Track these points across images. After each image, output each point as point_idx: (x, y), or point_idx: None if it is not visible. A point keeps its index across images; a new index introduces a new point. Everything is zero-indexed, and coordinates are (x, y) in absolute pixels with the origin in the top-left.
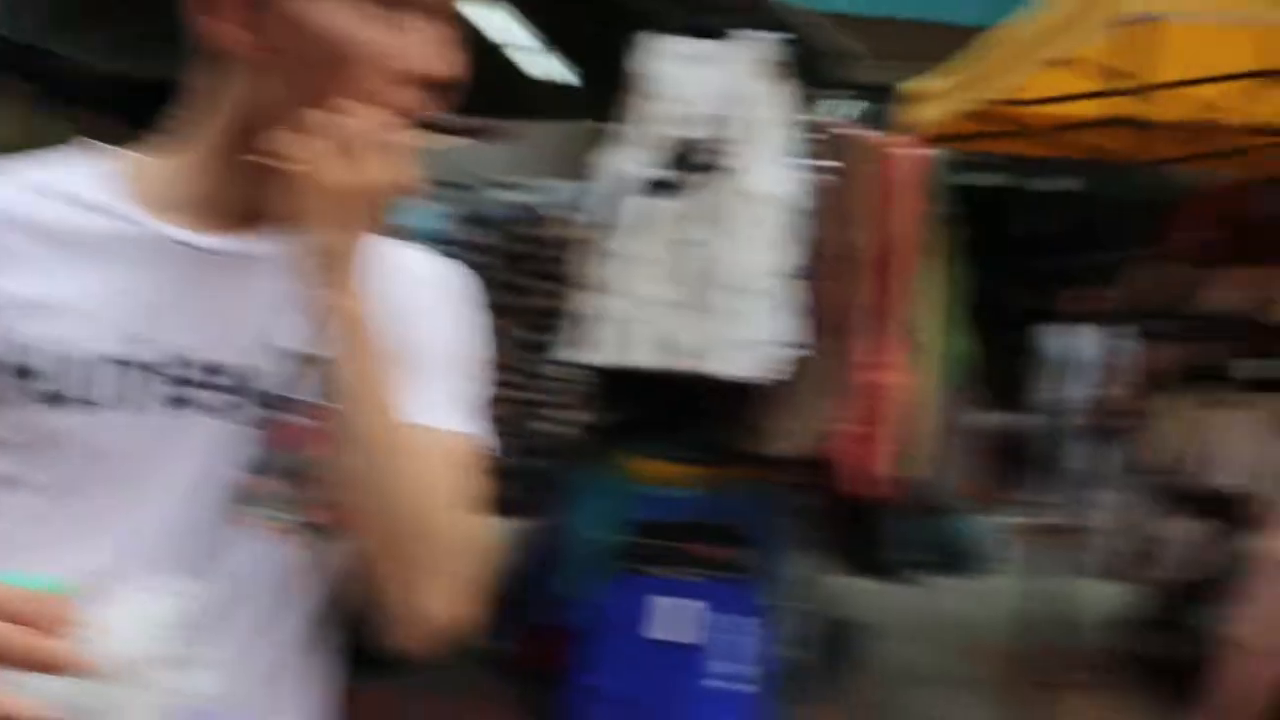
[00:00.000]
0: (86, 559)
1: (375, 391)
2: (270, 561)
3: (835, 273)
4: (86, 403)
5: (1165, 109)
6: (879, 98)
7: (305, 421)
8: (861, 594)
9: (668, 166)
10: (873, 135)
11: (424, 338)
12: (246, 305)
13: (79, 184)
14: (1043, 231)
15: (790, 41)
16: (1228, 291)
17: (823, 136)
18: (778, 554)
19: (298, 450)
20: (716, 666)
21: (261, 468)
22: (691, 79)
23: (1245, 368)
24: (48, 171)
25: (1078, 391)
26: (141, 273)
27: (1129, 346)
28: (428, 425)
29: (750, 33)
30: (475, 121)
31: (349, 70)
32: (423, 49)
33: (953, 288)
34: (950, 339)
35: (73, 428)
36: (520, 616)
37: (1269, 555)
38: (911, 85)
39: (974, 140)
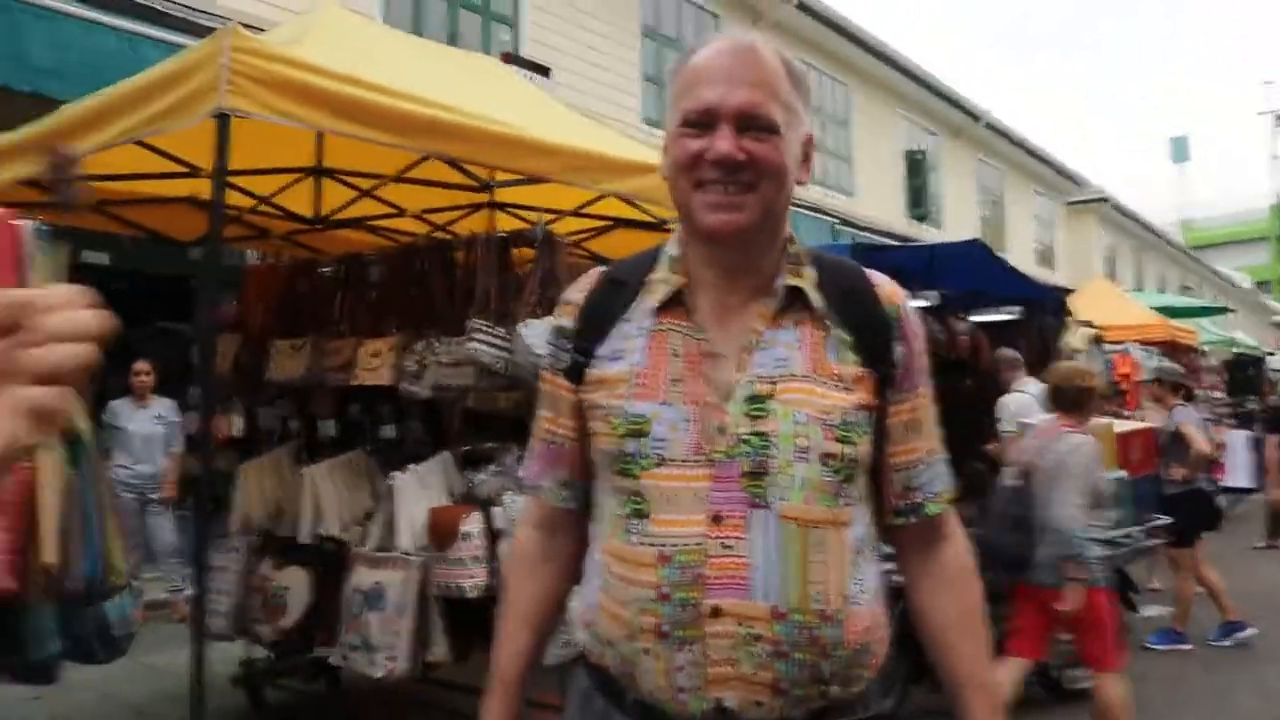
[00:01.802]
0: None
1: None
2: None
3: None
4: None
5: (231, 195)
6: None
7: None
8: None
9: None
10: None
11: None
12: None
13: None
14: None
15: None
16: (285, 360)
17: None
18: None
19: None
20: None
21: None
22: None
23: (325, 426)
24: None
25: (148, 466)
26: None
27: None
28: None
29: None
30: None
31: None
32: None
33: None
34: (74, 417)
35: None
36: None
37: (362, 587)
38: None
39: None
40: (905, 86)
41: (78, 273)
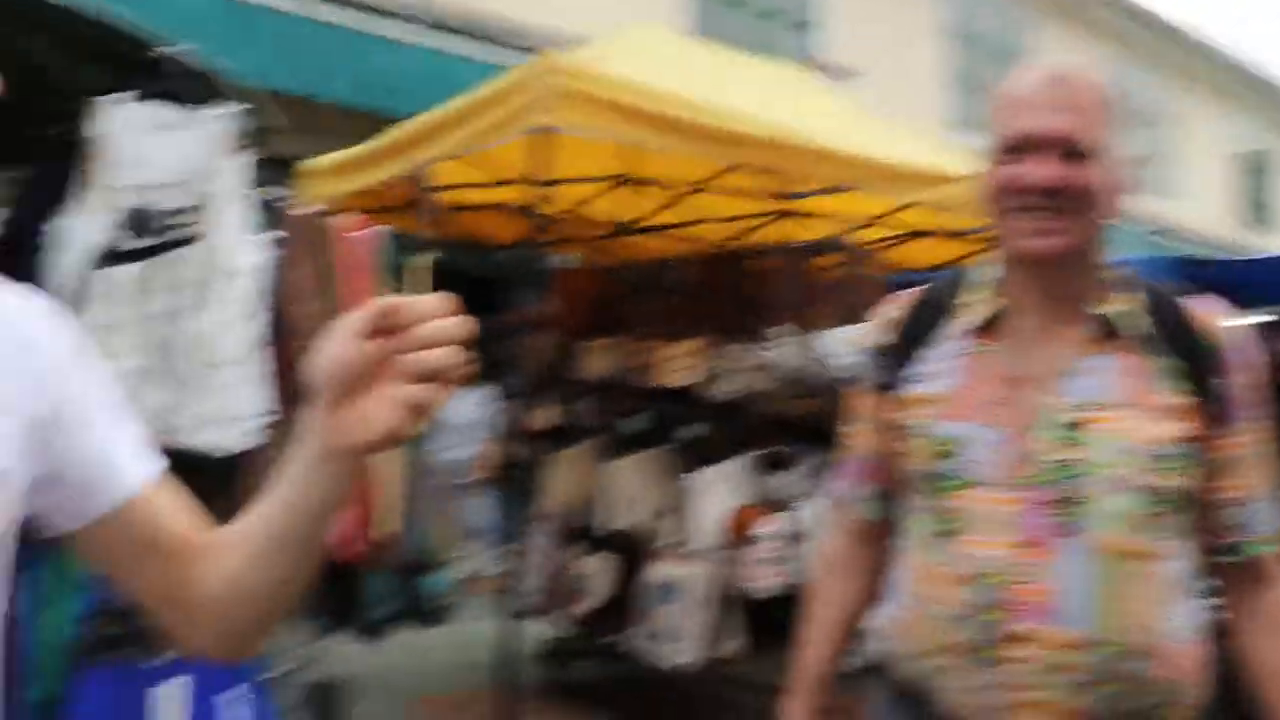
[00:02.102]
0: None
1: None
2: None
3: (297, 344)
4: None
5: (549, 202)
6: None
7: None
8: (339, 653)
9: (128, 234)
10: (332, 216)
11: (91, 376)
12: None
13: None
14: None
15: (249, 113)
16: (594, 358)
17: (277, 211)
18: None
19: None
20: None
21: None
22: (151, 147)
23: (627, 424)
24: None
25: (464, 451)
26: None
27: (512, 407)
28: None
29: (209, 103)
30: None
31: None
32: None
33: None
34: None
35: None
36: None
37: (659, 580)
38: (311, 162)
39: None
40: (1234, 83)
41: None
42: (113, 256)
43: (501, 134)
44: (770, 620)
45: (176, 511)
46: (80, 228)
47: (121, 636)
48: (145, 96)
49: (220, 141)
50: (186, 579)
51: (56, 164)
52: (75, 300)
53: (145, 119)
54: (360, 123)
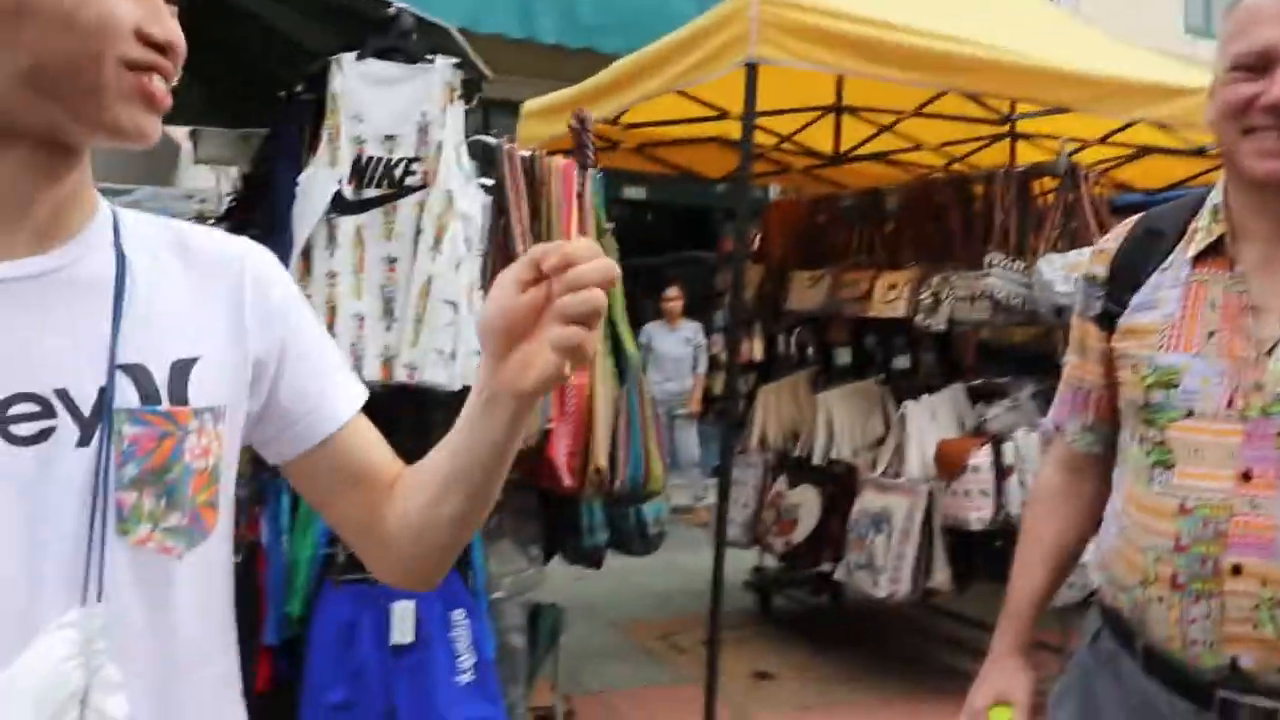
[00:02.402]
0: None
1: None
2: (158, 571)
3: None
4: None
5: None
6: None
7: (152, 429)
8: (554, 579)
9: (360, 184)
10: (551, 157)
11: (300, 318)
12: (39, 328)
13: None
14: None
15: (463, 64)
16: (804, 290)
17: (495, 154)
18: (478, 547)
19: (157, 458)
20: (440, 661)
21: (128, 483)
22: (378, 99)
23: (838, 355)
24: None
25: (675, 383)
26: None
27: (722, 340)
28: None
29: (430, 56)
30: None
31: (85, 31)
32: (161, 13)
33: (616, 292)
34: (620, 339)
35: None
36: (251, 638)
37: (869, 511)
38: (530, 103)
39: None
40: None
41: (619, 206)
42: (346, 205)
43: (711, 69)
44: (980, 553)
45: (374, 446)
46: (317, 180)
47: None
48: (374, 53)
49: (443, 92)
50: (379, 513)
51: (294, 121)
52: (312, 247)
53: (375, 74)
54: (569, 63)
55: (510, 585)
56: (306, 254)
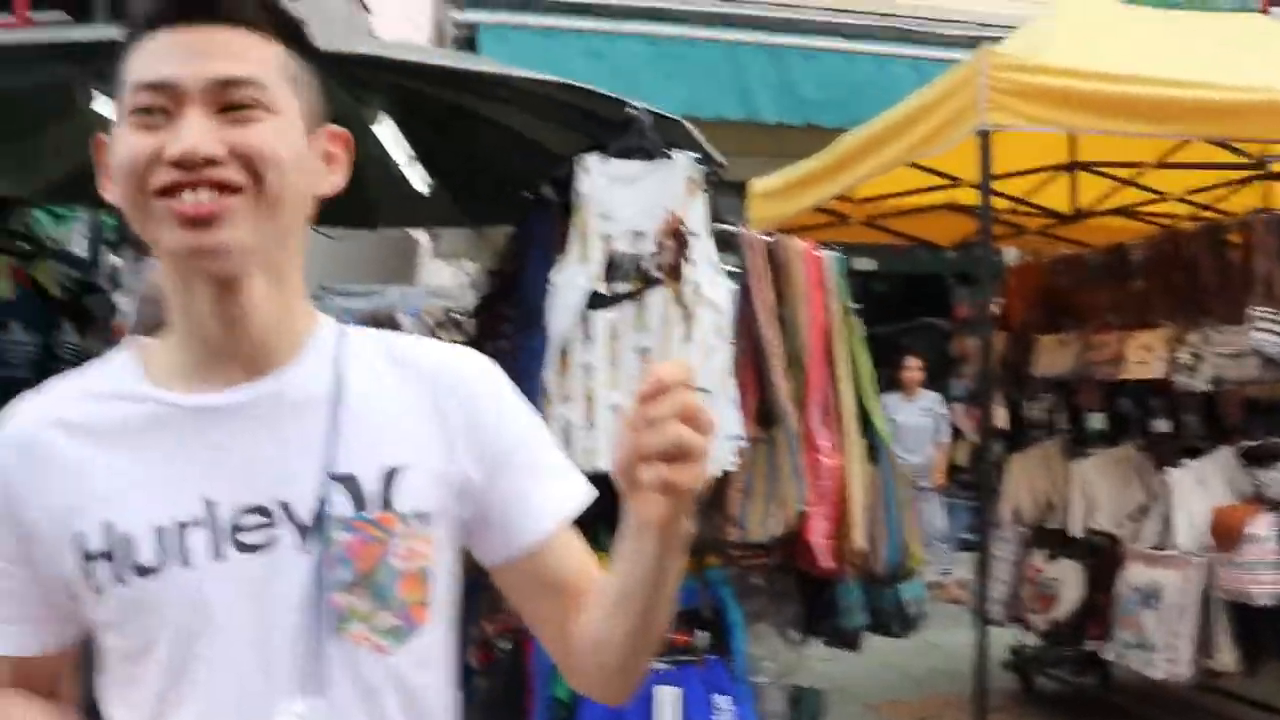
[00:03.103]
0: (208, 705)
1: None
2: (373, 666)
3: (764, 367)
4: (162, 568)
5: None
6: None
7: (361, 535)
8: (813, 661)
9: (611, 279)
10: (791, 240)
11: (512, 426)
12: (263, 446)
13: (115, 377)
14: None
15: (704, 158)
16: (1051, 354)
17: (735, 240)
18: (739, 631)
19: (367, 562)
20: None
21: (342, 585)
22: (624, 197)
23: (1091, 420)
24: (99, 372)
25: (916, 456)
26: (166, 440)
27: (962, 409)
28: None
29: (668, 151)
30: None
31: (131, 182)
32: (187, 136)
33: (865, 370)
34: (870, 416)
35: (159, 592)
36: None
37: (1138, 585)
38: (758, 184)
39: (812, 230)
40: None
41: (850, 278)
42: (598, 300)
43: (942, 140)
44: (1270, 630)
45: (576, 556)
46: (570, 276)
47: None
48: (616, 152)
49: (685, 185)
50: (570, 622)
51: (544, 220)
52: (568, 341)
53: (619, 173)
54: (790, 140)
55: (771, 670)
56: (563, 348)
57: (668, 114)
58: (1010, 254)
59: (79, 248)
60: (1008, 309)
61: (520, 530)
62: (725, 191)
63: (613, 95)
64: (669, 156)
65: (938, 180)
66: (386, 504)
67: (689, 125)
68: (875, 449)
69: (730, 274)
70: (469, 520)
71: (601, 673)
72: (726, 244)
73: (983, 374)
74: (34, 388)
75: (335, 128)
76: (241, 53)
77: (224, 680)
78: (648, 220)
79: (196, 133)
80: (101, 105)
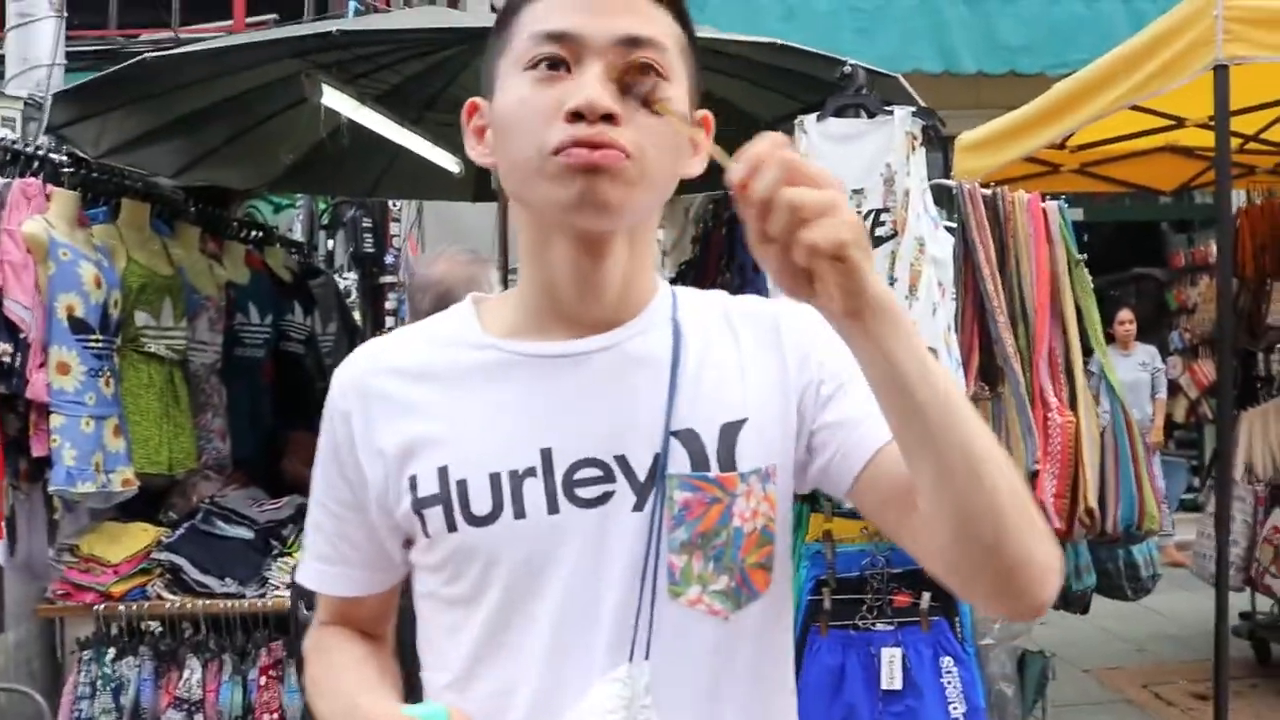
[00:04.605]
0: (525, 661)
1: (940, 371)
2: (705, 632)
3: (987, 323)
4: (496, 517)
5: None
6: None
7: (701, 494)
8: (1038, 624)
9: None
10: (1013, 193)
11: (840, 362)
12: (602, 399)
13: (454, 326)
14: None
15: (921, 112)
16: None
17: (954, 194)
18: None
19: (707, 522)
20: (932, 709)
21: (679, 546)
22: (843, 156)
23: None
24: (438, 322)
25: (1134, 411)
26: (504, 388)
27: (1180, 362)
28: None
29: (888, 108)
30: None
31: (523, 133)
32: (591, 87)
33: (1094, 323)
34: (1106, 371)
35: (490, 541)
36: None
37: None
38: (965, 137)
39: (1020, 181)
40: None
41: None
42: None
43: (1172, 79)
44: None
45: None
46: None
47: (850, 604)
48: (834, 112)
49: (904, 141)
50: (913, 519)
51: None
52: None
53: (837, 132)
54: (988, 90)
55: (999, 632)
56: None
57: (883, 70)
58: (1238, 196)
59: (295, 233)
60: (1238, 255)
61: (861, 443)
62: (942, 146)
63: (828, 54)
64: (889, 113)
65: (1159, 122)
66: (728, 463)
67: (903, 81)
68: (1112, 406)
69: (948, 229)
70: (803, 459)
71: (950, 555)
72: (946, 199)
73: (1222, 324)
74: (266, 370)
75: (703, 112)
76: (646, 13)
77: (542, 637)
78: (868, 178)
79: (599, 87)
80: (330, 98)
